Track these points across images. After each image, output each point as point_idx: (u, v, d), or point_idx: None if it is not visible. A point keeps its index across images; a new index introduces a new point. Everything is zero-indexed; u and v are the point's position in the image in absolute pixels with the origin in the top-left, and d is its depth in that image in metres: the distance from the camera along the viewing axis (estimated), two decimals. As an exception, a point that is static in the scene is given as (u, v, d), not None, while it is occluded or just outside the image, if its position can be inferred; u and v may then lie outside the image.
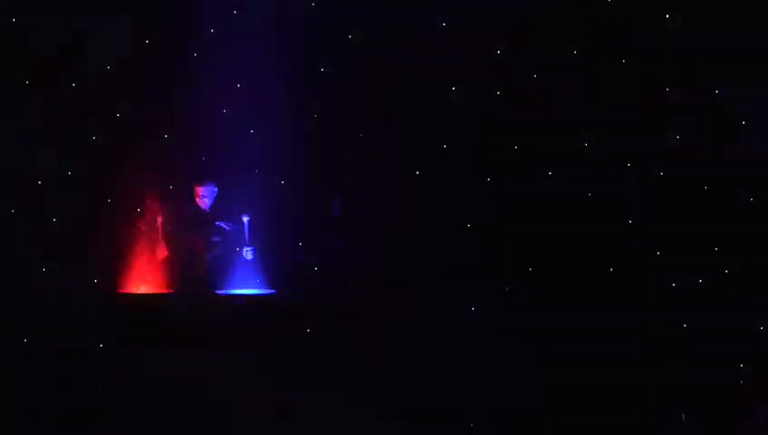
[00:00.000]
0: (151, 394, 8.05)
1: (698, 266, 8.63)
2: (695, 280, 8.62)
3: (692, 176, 8.78)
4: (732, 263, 8.63)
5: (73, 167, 8.94)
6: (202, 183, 8.99)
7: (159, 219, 8.82)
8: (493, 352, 8.24)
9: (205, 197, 9.00)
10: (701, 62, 8.75)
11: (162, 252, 8.80)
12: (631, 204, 8.82)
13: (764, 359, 8.27)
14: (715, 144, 8.69)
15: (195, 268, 8.90)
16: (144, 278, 8.80)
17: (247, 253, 8.84)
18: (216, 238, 8.98)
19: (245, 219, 8.89)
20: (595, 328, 8.24)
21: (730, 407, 8.13)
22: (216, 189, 9.03)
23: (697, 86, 8.79)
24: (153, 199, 8.90)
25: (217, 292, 8.78)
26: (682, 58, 8.77)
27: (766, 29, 8.64)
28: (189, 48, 9.05)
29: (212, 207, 9.04)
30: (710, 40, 8.65)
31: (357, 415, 8.06)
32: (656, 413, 8.08)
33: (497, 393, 8.11)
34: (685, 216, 8.69)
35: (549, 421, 8.05)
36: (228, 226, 9.01)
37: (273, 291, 8.82)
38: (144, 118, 9.02)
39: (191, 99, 8.99)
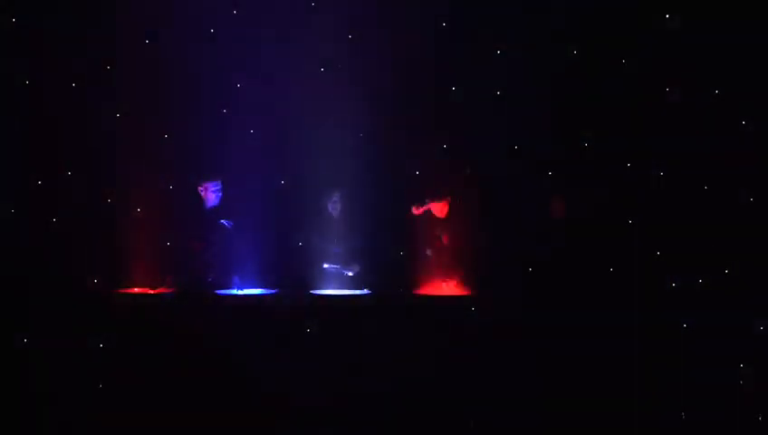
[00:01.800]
0: (151, 393, 8.06)
1: (698, 266, 8.63)
2: (695, 280, 8.62)
3: (692, 176, 8.78)
4: (732, 263, 8.63)
5: (73, 167, 8.95)
6: (209, 178, 9.00)
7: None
8: (493, 352, 8.23)
9: (213, 191, 9.01)
10: (701, 62, 8.75)
11: None
12: (631, 204, 8.82)
13: (764, 359, 8.28)
14: (715, 144, 8.69)
15: (194, 266, 8.92)
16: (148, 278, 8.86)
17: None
18: (215, 237, 9.00)
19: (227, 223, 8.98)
20: (595, 328, 8.24)
21: (730, 407, 8.13)
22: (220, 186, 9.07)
23: (697, 86, 8.79)
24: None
25: (217, 292, 8.78)
26: (682, 58, 8.77)
27: (766, 29, 8.65)
28: (189, 48, 9.05)
29: (215, 205, 9.05)
30: (710, 40, 8.65)
31: (356, 415, 8.07)
32: (656, 413, 8.08)
33: (497, 393, 8.11)
34: (685, 216, 8.69)
35: (549, 421, 8.05)
36: (229, 224, 9.02)
37: (274, 291, 8.82)
38: (143, 118, 9.02)
39: (191, 99, 8.99)
